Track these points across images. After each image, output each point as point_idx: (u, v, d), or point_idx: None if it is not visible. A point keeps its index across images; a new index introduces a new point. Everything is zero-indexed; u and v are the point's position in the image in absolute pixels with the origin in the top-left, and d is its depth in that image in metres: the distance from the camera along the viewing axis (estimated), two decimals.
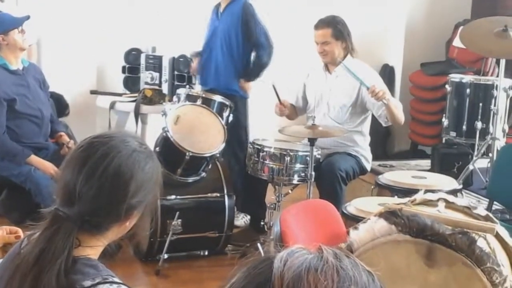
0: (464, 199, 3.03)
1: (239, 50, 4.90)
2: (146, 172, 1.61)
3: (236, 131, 4.77)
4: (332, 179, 4.25)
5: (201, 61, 5.01)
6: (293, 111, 4.77)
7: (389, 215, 2.23)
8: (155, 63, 5.71)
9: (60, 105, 5.31)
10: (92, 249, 1.59)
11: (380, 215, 2.27)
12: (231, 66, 4.90)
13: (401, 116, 4.37)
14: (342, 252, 0.86)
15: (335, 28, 4.49)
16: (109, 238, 1.63)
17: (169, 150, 4.15)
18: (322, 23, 4.54)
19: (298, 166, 4.22)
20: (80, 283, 1.47)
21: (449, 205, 2.50)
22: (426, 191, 2.64)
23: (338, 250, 0.87)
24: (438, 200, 2.51)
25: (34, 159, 4.29)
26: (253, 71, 4.95)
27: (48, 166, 4.24)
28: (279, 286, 0.80)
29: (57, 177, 1.64)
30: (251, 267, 0.86)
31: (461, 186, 3.93)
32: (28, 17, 4.38)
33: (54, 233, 1.51)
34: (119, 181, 1.57)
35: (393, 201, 2.75)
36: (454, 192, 3.53)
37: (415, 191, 2.77)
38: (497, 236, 2.30)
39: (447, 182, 3.85)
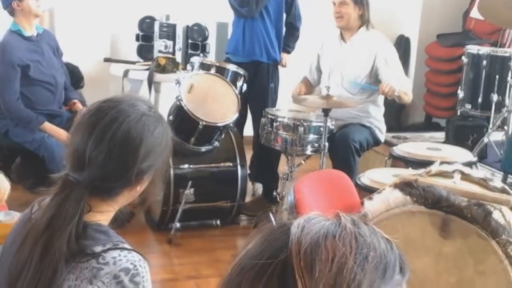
0: (480, 171, 3.01)
1: (282, 22, 4.94)
2: (155, 136, 1.60)
3: (276, 95, 4.93)
4: (346, 150, 4.23)
5: (244, 32, 4.85)
6: (309, 88, 4.75)
7: (404, 186, 2.21)
8: (169, 31, 5.67)
9: (75, 77, 5.31)
10: (103, 215, 1.58)
11: (395, 186, 2.25)
12: (279, 36, 4.94)
13: (409, 99, 4.42)
14: (360, 219, 0.85)
15: None
16: (120, 203, 1.62)
17: (182, 119, 4.14)
18: None
19: (311, 136, 4.19)
20: (91, 249, 1.47)
21: (465, 177, 2.49)
22: (442, 162, 2.62)
23: (356, 217, 0.85)
24: (453, 171, 2.50)
25: (47, 126, 4.29)
26: (292, 42, 5.05)
27: (62, 133, 4.24)
28: (296, 252, 0.79)
29: (66, 142, 1.62)
30: (268, 233, 0.85)
31: (476, 159, 3.89)
32: None
33: (65, 199, 1.51)
34: (129, 145, 1.55)
35: (408, 173, 2.73)
36: (469, 165, 3.50)
37: (430, 162, 2.76)
38: None
39: (462, 155, 3.82)
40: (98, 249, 1.47)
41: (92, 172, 1.53)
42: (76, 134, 1.58)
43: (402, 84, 4.33)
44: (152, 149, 1.59)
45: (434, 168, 2.51)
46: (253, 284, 0.80)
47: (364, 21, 4.49)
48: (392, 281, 0.80)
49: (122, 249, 1.49)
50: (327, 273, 0.76)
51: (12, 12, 4.30)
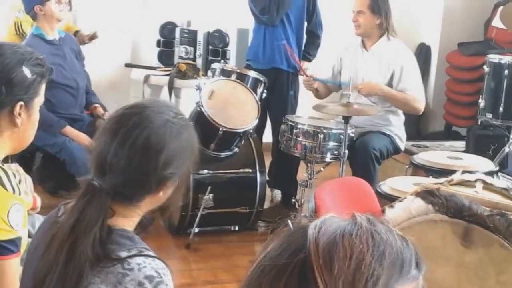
0: (502, 181, 2.98)
1: (303, 30, 4.93)
2: (178, 143, 1.60)
3: (296, 102, 4.91)
4: (366, 158, 4.21)
5: (265, 39, 4.85)
6: (325, 89, 4.73)
7: (426, 194, 2.20)
8: (190, 37, 5.68)
9: None
10: (128, 220, 1.59)
11: (417, 194, 2.24)
12: (300, 44, 4.92)
13: (410, 108, 4.40)
14: (376, 218, 0.88)
15: (373, 0, 4.42)
16: (143, 210, 1.62)
17: (202, 125, 4.14)
18: None
19: (331, 144, 4.19)
20: (116, 253, 1.48)
21: (487, 186, 2.46)
22: (463, 172, 2.60)
23: (371, 216, 0.88)
24: (475, 181, 2.47)
25: (69, 130, 4.31)
26: (313, 50, 5.02)
27: (83, 137, 4.26)
28: (314, 251, 0.81)
29: (91, 147, 1.63)
30: (286, 236, 0.87)
31: (497, 168, 3.87)
32: None
33: (87, 203, 1.52)
34: (149, 152, 1.55)
35: (429, 181, 2.72)
36: (490, 174, 3.48)
37: (451, 171, 2.74)
38: None
39: (483, 164, 3.79)
40: (123, 254, 1.48)
41: (113, 178, 1.54)
42: (99, 139, 1.59)
43: (410, 89, 4.31)
44: (175, 156, 1.58)
45: (456, 177, 2.49)
46: (273, 284, 0.82)
47: (383, 30, 4.46)
48: (409, 276, 0.82)
49: (147, 256, 1.50)
50: (346, 270, 0.78)
51: (34, 16, 4.34)
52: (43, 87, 1.96)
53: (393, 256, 0.81)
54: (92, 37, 5.27)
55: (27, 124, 1.94)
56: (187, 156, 1.63)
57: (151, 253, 1.52)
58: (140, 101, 1.67)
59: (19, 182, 1.91)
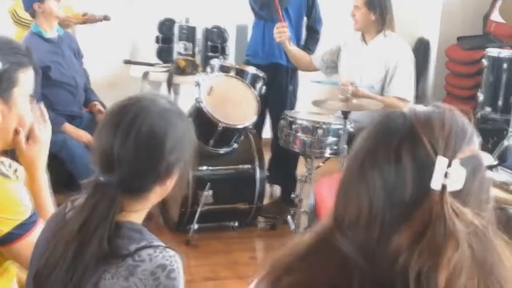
0: (501, 175, 2.98)
1: (302, 25, 4.93)
2: (180, 129, 1.62)
3: (295, 98, 4.94)
4: None
5: (264, 34, 4.86)
6: (304, 59, 4.72)
7: None
8: (189, 34, 5.68)
9: None
10: (136, 214, 1.60)
11: None
12: (299, 39, 4.93)
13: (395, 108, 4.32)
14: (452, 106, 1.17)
15: None
16: (151, 201, 1.63)
17: (201, 121, 4.14)
18: None
19: (330, 139, 4.18)
20: (127, 247, 1.50)
21: None
22: None
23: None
24: None
25: (68, 127, 4.31)
26: (313, 45, 5.02)
27: (82, 135, 4.26)
28: (417, 121, 1.09)
29: (92, 145, 1.64)
30: (382, 118, 1.15)
31: (496, 162, 3.86)
32: None
33: (97, 203, 1.52)
34: (154, 139, 1.56)
35: None
36: (489, 168, 3.48)
37: None
38: None
39: (482, 158, 3.79)
40: (133, 247, 1.50)
41: (122, 171, 1.54)
42: (101, 136, 1.59)
43: (398, 87, 4.30)
44: (178, 141, 1.60)
45: None
46: (387, 147, 1.09)
47: (380, 26, 4.42)
48: (472, 141, 1.12)
49: (157, 246, 1.52)
50: (441, 133, 1.08)
51: (33, 14, 4.33)
52: (24, 76, 1.85)
53: (466, 127, 1.12)
54: (105, 18, 5.24)
55: (9, 116, 1.86)
56: (188, 141, 1.65)
57: (160, 243, 1.54)
58: (133, 95, 1.68)
59: (15, 170, 1.92)
